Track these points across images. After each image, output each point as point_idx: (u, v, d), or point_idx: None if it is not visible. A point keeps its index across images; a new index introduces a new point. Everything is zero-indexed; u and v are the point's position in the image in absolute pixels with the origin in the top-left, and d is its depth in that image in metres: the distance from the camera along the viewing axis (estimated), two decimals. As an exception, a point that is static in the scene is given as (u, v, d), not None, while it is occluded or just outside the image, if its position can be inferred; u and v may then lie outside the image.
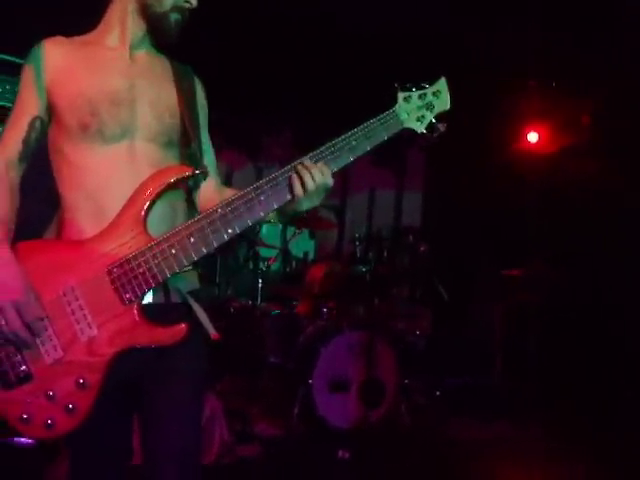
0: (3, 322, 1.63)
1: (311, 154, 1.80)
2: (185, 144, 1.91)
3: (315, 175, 1.76)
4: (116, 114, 1.77)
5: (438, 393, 5.49)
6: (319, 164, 1.78)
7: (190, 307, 1.85)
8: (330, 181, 1.80)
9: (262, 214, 1.75)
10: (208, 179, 1.97)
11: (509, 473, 4.17)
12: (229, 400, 4.29)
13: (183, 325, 1.70)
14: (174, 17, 1.85)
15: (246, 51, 5.51)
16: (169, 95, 1.89)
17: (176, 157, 1.89)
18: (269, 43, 5.57)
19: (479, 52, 5.72)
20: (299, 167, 1.76)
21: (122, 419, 1.90)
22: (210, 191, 1.98)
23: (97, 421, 1.71)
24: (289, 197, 1.77)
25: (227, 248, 5.42)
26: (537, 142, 6.98)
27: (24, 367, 1.67)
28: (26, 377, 1.67)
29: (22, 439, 1.73)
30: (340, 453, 4.07)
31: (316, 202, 1.82)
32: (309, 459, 4.10)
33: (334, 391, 4.44)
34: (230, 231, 1.73)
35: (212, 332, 1.86)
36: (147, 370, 1.77)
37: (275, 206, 1.77)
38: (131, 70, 1.85)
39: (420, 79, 1.94)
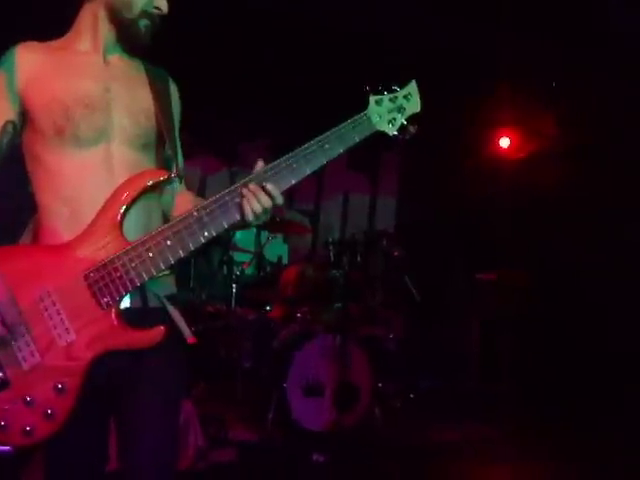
0: None
1: (270, 165, 1.79)
2: (161, 147, 1.91)
3: (261, 199, 1.74)
4: (91, 118, 1.77)
5: (412, 396, 5.52)
6: (268, 185, 1.75)
7: (167, 311, 1.85)
8: (280, 201, 1.78)
9: (238, 217, 1.76)
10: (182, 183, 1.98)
11: (485, 475, 4.20)
12: (203, 405, 4.27)
13: (161, 327, 1.70)
14: (143, 23, 1.85)
15: (223, 56, 5.52)
16: (144, 98, 1.88)
17: (152, 160, 1.89)
18: (246, 48, 5.58)
19: (454, 57, 5.78)
20: (244, 191, 1.75)
21: (98, 424, 1.89)
22: (183, 195, 2.00)
23: (72, 426, 1.70)
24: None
25: (202, 252, 5.40)
26: (509, 147, 7.07)
27: (0, 374, 1.66)
28: (3, 384, 1.66)
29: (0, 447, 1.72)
30: (315, 457, 4.08)
31: (264, 219, 1.80)
32: (284, 463, 4.10)
33: (308, 395, 4.44)
34: (206, 234, 1.73)
35: (189, 336, 1.86)
36: (124, 375, 1.77)
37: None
38: (105, 74, 1.84)
39: (395, 83, 1.96)
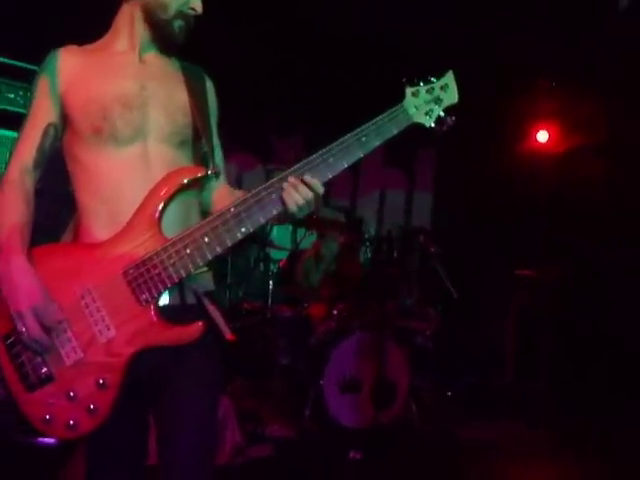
0: (23, 329, 1.66)
1: (305, 161, 1.79)
2: (197, 144, 1.93)
3: (301, 191, 1.75)
4: (128, 117, 1.79)
5: (449, 394, 5.49)
6: (306, 177, 1.76)
7: (205, 308, 1.87)
8: (320, 190, 1.79)
9: (275, 212, 1.76)
10: (220, 179, 2.00)
11: (521, 474, 4.16)
12: (240, 401, 4.30)
13: (200, 323, 1.72)
14: (178, 24, 1.86)
15: (257, 53, 5.54)
16: (180, 95, 1.90)
17: (189, 157, 1.91)
18: (280, 45, 5.59)
19: (489, 51, 5.72)
20: (284, 185, 1.75)
21: (137, 419, 1.91)
22: (222, 191, 2.00)
23: (113, 420, 1.73)
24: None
25: (239, 249, 5.44)
26: (547, 141, 6.96)
27: (45, 369, 1.70)
28: (47, 378, 1.70)
29: (45, 439, 1.78)
30: (351, 454, 4.07)
31: (307, 211, 1.80)
32: (320, 460, 4.10)
33: (345, 392, 4.44)
34: (243, 230, 1.73)
35: (227, 333, 1.87)
36: (163, 371, 1.78)
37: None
38: (141, 72, 1.86)
39: (430, 75, 1.94)
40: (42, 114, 1.83)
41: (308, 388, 4.47)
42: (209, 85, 2.03)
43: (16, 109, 3.20)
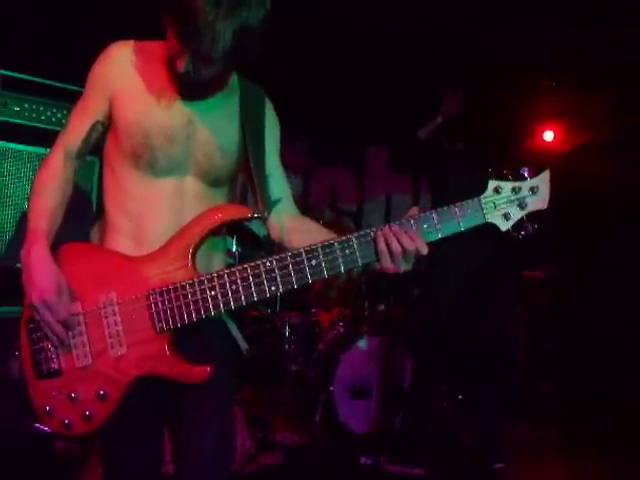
0: (38, 318, 1.69)
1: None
2: (234, 183, 1.92)
3: (404, 241, 1.64)
4: (169, 150, 1.74)
5: (460, 397, 5.46)
6: (410, 232, 1.66)
7: (225, 325, 1.87)
8: (424, 250, 1.65)
9: (308, 281, 1.67)
10: (286, 208, 1.95)
11: (531, 474, 4.15)
12: (250, 408, 4.30)
13: (207, 368, 1.69)
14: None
15: (262, 59, 5.53)
16: (226, 134, 1.83)
17: (223, 195, 1.89)
18: (284, 51, 5.59)
19: (494, 50, 5.71)
20: (386, 230, 1.66)
21: (153, 428, 1.90)
22: (292, 220, 1.95)
23: (130, 432, 1.77)
24: (341, 269, 1.66)
25: (247, 257, 5.43)
26: (553, 140, 6.93)
27: (55, 363, 1.73)
28: (55, 372, 1.73)
29: (44, 427, 1.84)
30: (362, 459, 4.06)
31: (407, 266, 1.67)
32: (331, 466, 4.09)
33: (355, 397, 4.43)
34: (273, 289, 1.65)
35: (244, 347, 1.88)
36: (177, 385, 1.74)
37: (325, 275, 1.66)
38: (191, 102, 1.77)
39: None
40: (93, 108, 1.79)
41: (318, 394, 4.45)
42: (269, 111, 1.96)
43: (21, 121, 3.21)
